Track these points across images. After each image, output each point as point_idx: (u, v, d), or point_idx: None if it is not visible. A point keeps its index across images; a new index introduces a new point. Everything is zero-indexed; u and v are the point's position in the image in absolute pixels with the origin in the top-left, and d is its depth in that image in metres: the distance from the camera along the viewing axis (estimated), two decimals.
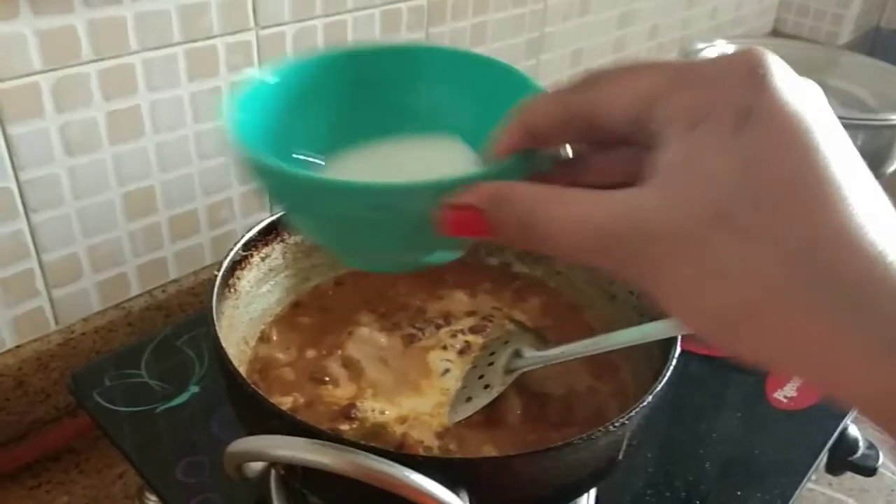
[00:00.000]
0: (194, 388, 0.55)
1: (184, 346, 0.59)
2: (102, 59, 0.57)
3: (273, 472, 0.44)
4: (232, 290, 0.43)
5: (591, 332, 0.50)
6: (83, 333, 0.63)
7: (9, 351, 0.60)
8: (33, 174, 0.56)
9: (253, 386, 0.34)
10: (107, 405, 0.53)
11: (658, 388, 0.37)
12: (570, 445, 0.32)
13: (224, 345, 0.37)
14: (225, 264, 0.42)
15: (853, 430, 0.58)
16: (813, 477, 0.54)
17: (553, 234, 0.23)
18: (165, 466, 0.49)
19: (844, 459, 0.57)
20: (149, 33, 0.58)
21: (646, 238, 0.21)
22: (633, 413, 0.35)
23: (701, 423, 0.56)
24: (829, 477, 0.62)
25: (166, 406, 0.53)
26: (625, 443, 0.36)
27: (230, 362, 0.35)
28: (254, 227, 0.46)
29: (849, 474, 0.59)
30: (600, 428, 0.33)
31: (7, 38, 0.51)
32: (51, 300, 0.61)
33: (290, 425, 0.32)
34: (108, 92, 0.58)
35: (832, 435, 0.55)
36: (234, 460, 0.31)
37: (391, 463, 0.27)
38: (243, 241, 0.44)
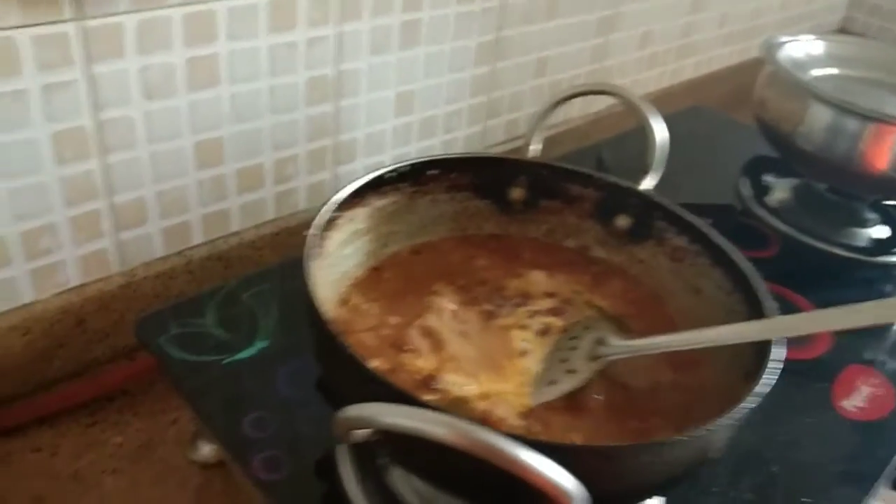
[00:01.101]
0: (260, 344, 0.54)
1: (249, 300, 0.59)
2: (187, 4, 0.56)
3: None
4: (321, 250, 0.42)
5: (672, 324, 0.49)
6: (144, 278, 0.63)
7: (73, 289, 0.60)
8: (112, 114, 0.56)
9: (349, 348, 0.34)
10: (173, 352, 0.53)
11: (760, 391, 0.36)
12: (683, 441, 0.32)
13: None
14: (319, 223, 0.42)
15: None
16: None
17: None
18: (232, 420, 0.48)
19: None
20: None
21: None
22: (736, 412, 0.34)
23: (768, 427, 0.55)
24: (885, 492, 0.61)
25: (233, 359, 0.53)
26: (720, 443, 0.36)
27: (329, 324, 0.34)
28: (344, 188, 0.45)
29: None
30: (714, 423, 0.33)
31: None
32: (117, 242, 0.61)
33: (390, 392, 0.32)
34: (190, 38, 0.57)
35: None
36: (344, 426, 0.30)
37: (512, 441, 0.27)
38: (336, 201, 0.44)
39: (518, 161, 0.53)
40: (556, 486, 0.27)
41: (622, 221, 0.52)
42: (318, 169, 0.72)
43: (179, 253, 0.66)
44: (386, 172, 0.48)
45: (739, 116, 1.03)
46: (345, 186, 0.47)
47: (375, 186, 0.47)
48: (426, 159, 0.49)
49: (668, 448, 0.33)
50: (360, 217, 0.47)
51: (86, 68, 0.53)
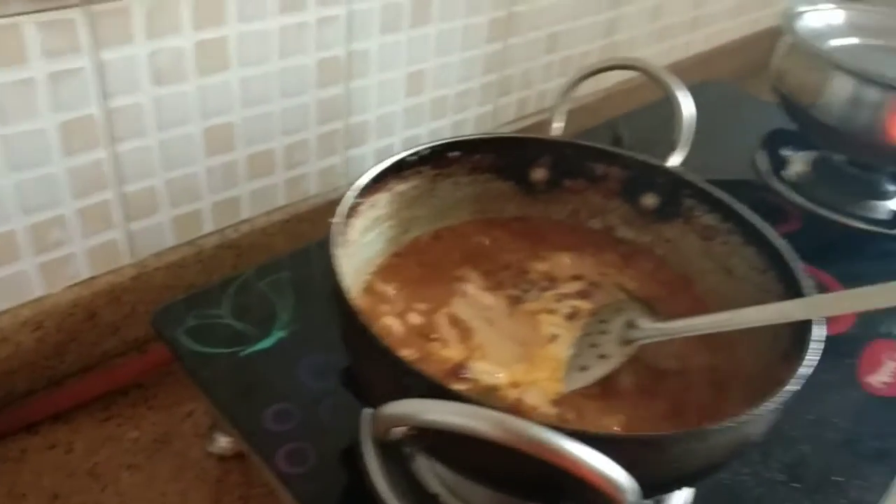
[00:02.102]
0: (279, 334, 0.53)
1: (266, 288, 0.57)
2: None
3: None
4: (344, 238, 0.41)
5: (703, 305, 0.48)
6: (156, 269, 0.62)
7: (83, 282, 0.59)
8: (121, 102, 0.54)
9: (384, 341, 0.33)
10: (190, 345, 0.52)
11: (805, 372, 0.35)
12: (729, 428, 0.31)
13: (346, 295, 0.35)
14: (342, 210, 0.40)
15: None
16: None
17: None
18: (253, 413, 0.47)
19: None
20: None
21: None
22: (782, 395, 0.33)
23: (795, 406, 0.54)
24: None
25: (252, 350, 0.52)
26: (764, 427, 0.35)
27: (361, 317, 0.33)
28: (365, 173, 0.44)
29: None
30: (759, 408, 0.32)
31: None
32: (127, 233, 0.60)
33: (427, 386, 0.31)
34: (199, 20, 0.55)
35: None
36: (385, 423, 0.29)
37: (561, 435, 0.26)
38: (358, 187, 0.42)
39: (542, 140, 0.51)
40: (607, 480, 0.26)
41: (649, 200, 0.51)
42: (328, 153, 0.71)
43: (190, 242, 0.64)
44: (408, 156, 0.46)
45: (752, 89, 1.02)
46: (355, 171, 0.45)
47: (397, 171, 0.46)
48: (448, 141, 0.48)
49: (715, 434, 0.32)
50: (381, 203, 0.46)
51: (93, 55, 0.51)
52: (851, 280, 0.42)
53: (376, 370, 0.34)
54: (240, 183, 0.66)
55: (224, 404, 0.49)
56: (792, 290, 0.41)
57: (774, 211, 0.76)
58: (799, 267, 0.42)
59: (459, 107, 0.81)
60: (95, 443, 0.56)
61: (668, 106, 0.54)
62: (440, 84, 0.77)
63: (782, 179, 0.77)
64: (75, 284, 0.58)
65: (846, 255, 0.73)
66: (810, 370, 0.35)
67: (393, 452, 0.44)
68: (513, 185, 0.52)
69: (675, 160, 0.51)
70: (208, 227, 0.65)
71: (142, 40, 0.53)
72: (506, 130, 0.88)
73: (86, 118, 0.53)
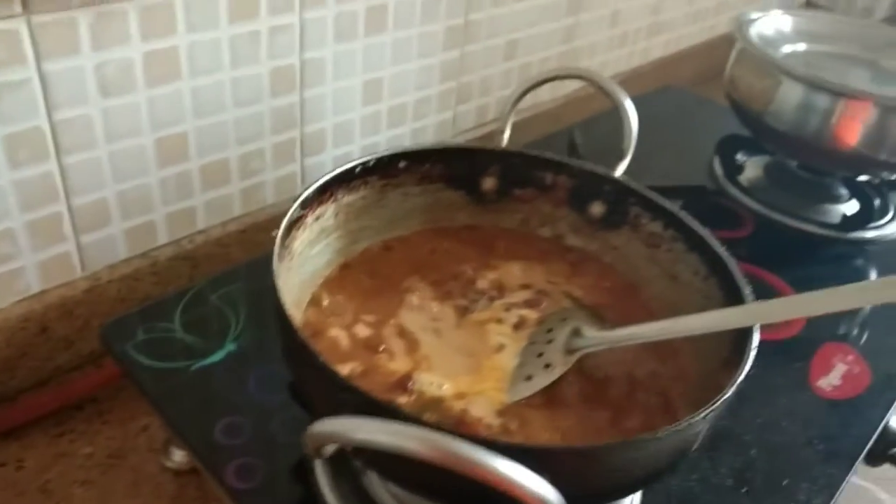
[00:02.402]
0: (230, 346, 0.53)
1: (217, 301, 0.57)
2: None
3: None
4: (287, 250, 0.40)
5: (648, 312, 0.48)
6: (109, 281, 0.61)
7: (34, 296, 0.58)
8: (67, 114, 0.54)
9: (321, 357, 0.33)
10: (140, 359, 0.51)
11: (741, 379, 0.35)
12: (662, 438, 0.31)
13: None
14: (283, 223, 0.40)
15: (894, 423, 0.57)
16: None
17: None
18: (203, 428, 0.47)
19: (885, 452, 0.56)
20: None
21: None
22: (719, 402, 0.33)
23: (745, 409, 0.55)
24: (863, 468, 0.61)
25: (202, 363, 0.52)
26: (702, 434, 0.35)
27: (300, 333, 0.33)
28: (309, 185, 0.44)
29: (885, 466, 0.59)
30: (691, 417, 0.32)
31: None
32: (78, 246, 0.59)
33: (362, 401, 0.31)
34: (147, 31, 0.55)
35: (877, 426, 0.55)
36: (316, 442, 0.29)
37: (489, 453, 0.26)
38: (301, 199, 0.42)
39: (491, 150, 0.51)
40: (532, 495, 0.26)
41: (596, 208, 0.51)
42: (285, 162, 0.71)
43: (144, 254, 0.64)
44: (354, 166, 0.46)
45: (710, 94, 1.03)
46: (314, 179, 0.45)
47: (343, 181, 0.46)
48: (395, 151, 0.48)
49: (647, 444, 0.32)
50: (327, 214, 0.46)
51: (38, 66, 0.50)
52: (804, 284, 0.42)
53: (314, 385, 0.34)
54: (194, 193, 0.65)
55: (174, 419, 0.48)
56: (732, 296, 0.42)
57: (729, 216, 0.77)
58: (738, 274, 0.42)
59: (418, 114, 0.81)
60: (47, 459, 0.55)
61: (618, 114, 0.54)
62: (398, 92, 0.77)
63: (737, 184, 0.78)
64: (25, 298, 0.58)
65: (799, 259, 0.74)
66: (741, 377, 0.35)
67: (342, 467, 0.44)
68: (463, 194, 0.52)
69: (622, 168, 0.52)
70: (163, 238, 0.65)
71: (88, 52, 0.53)
72: (466, 137, 0.88)
73: (32, 130, 0.52)
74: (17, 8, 0.48)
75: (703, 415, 0.33)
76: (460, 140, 0.88)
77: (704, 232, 0.45)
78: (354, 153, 0.77)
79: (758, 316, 0.38)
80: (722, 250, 0.44)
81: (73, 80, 0.53)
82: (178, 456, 0.54)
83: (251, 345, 0.53)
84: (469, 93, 0.86)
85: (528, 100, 0.94)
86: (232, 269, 0.61)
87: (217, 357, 0.52)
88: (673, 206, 0.47)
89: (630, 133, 0.52)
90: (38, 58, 0.50)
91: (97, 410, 0.59)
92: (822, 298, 0.37)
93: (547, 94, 0.97)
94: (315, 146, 0.73)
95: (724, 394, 0.34)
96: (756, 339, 0.38)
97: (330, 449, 0.30)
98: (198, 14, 0.57)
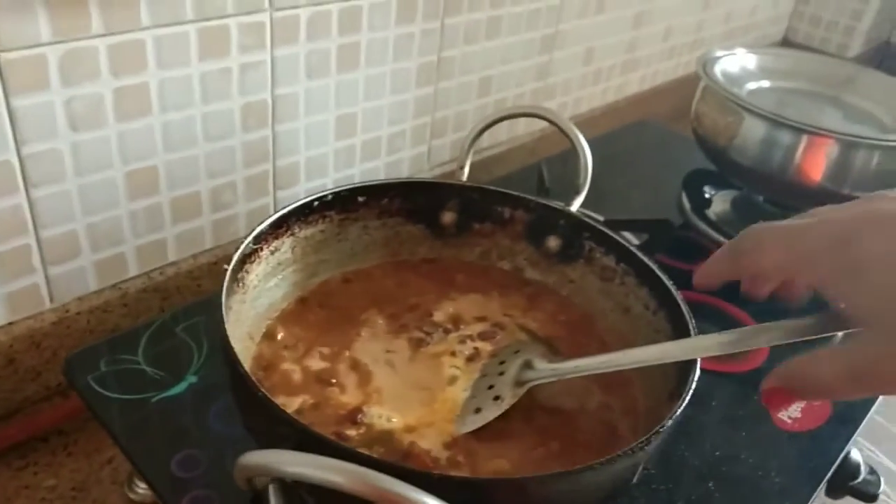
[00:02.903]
0: (192, 379, 0.53)
1: (182, 333, 0.57)
2: (113, 34, 0.55)
3: None
4: (240, 284, 0.41)
5: (603, 344, 0.49)
6: (78, 313, 0.62)
7: (1, 328, 0.58)
8: (35, 148, 0.54)
9: (261, 389, 0.33)
10: (101, 391, 0.52)
11: (678, 412, 0.36)
12: (591, 469, 0.31)
13: (232, 343, 0.35)
14: (235, 257, 0.41)
15: (855, 455, 0.58)
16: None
17: (831, 386, 0.33)
18: (160, 460, 0.47)
19: (845, 484, 0.56)
20: (162, 9, 0.56)
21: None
22: (653, 436, 0.34)
23: (704, 442, 0.55)
24: (825, 499, 0.62)
25: (162, 395, 0.52)
26: (641, 466, 0.36)
27: (240, 365, 0.34)
28: (265, 219, 0.45)
29: (847, 499, 0.59)
30: (621, 452, 0.33)
31: (16, 7, 0.49)
32: (46, 277, 0.60)
33: (300, 434, 0.31)
34: (117, 68, 0.56)
35: (836, 459, 0.55)
36: (244, 473, 0.29)
37: (411, 488, 0.26)
38: (254, 233, 0.43)
39: (449, 185, 0.52)
40: None
41: (553, 242, 0.52)
42: (257, 195, 0.72)
43: (114, 286, 0.64)
44: (311, 200, 0.47)
45: (685, 129, 1.04)
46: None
47: (300, 215, 0.47)
48: (353, 186, 0.49)
49: (584, 476, 0.32)
50: (284, 247, 0.46)
51: (7, 102, 0.51)
52: (768, 316, 0.43)
53: (256, 418, 0.35)
54: (165, 226, 0.66)
55: (133, 451, 0.49)
56: (679, 330, 0.42)
57: (696, 249, 0.78)
58: (685, 307, 0.43)
59: (392, 148, 0.82)
60: (9, 491, 0.55)
61: (591, 147, 0.55)
62: (371, 127, 0.78)
63: (705, 218, 0.79)
64: None
65: None
66: (680, 409, 0.36)
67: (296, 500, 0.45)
68: (423, 228, 0.53)
69: (577, 203, 0.53)
70: (133, 270, 0.65)
71: (57, 87, 0.54)
72: (442, 170, 0.90)
73: (1, 164, 0.53)
74: None
75: (638, 446, 0.34)
76: (436, 173, 0.89)
77: (654, 265, 0.46)
78: (328, 186, 0.78)
79: (696, 350, 0.38)
80: (670, 284, 0.45)
81: (43, 115, 0.54)
82: (142, 489, 0.54)
83: (212, 378, 0.54)
84: (444, 127, 0.87)
85: (504, 133, 0.96)
86: (199, 301, 0.62)
87: (178, 389, 0.53)
88: (624, 239, 0.48)
89: (586, 169, 0.53)
90: (7, 93, 0.51)
91: (62, 442, 0.59)
92: (758, 333, 0.38)
93: (522, 129, 0.98)
94: (288, 179, 0.74)
95: (662, 425, 0.35)
96: (696, 373, 0.38)
97: (262, 481, 0.30)
98: (168, 51, 0.58)
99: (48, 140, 0.55)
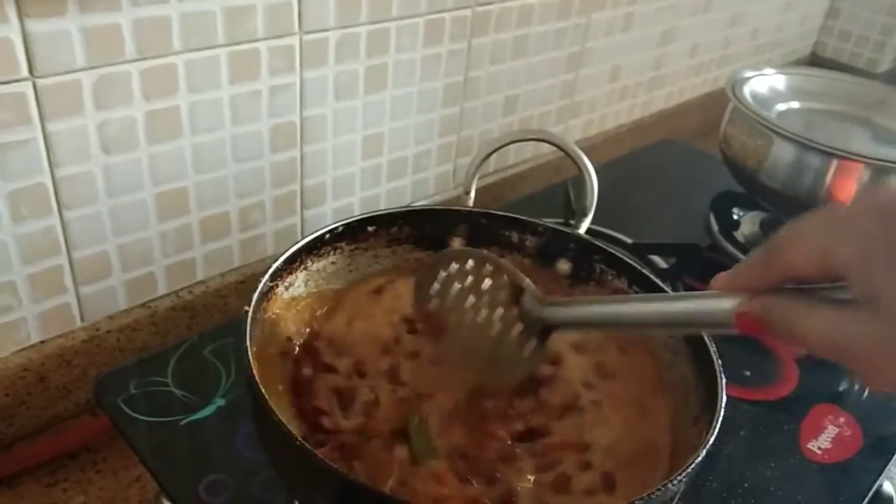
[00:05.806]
0: (220, 402, 0.54)
1: (209, 355, 0.58)
2: (145, 59, 0.56)
3: None
4: (258, 321, 0.41)
5: None
6: (108, 331, 0.63)
7: (33, 346, 0.59)
8: (69, 171, 0.55)
9: (298, 439, 0.33)
10: (130, 413, 0.52)
11: (710, 442, 0.35)
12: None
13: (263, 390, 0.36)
14: (255, 297, 0.41)
15: (888, 488, 0.57)
16: None
17: (806, 339, 0.32)
18: (189, 484, 0.48)
19: None
20: (193, 34, 0.57)
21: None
22: (688, 470, 0.34)
23: (732, 472, 0.55)
24: None
25: (191, 419, 0.53)
26: (676, 499, 0.36)
27: (274, 412, 0.34)
28: (280, 256, 0.45)
29: None
30: (657, 489, 0.32)
31: (53, 34, 0.50)
32: (78, 297, 0.60)
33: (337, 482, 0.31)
34: (149, 91, 0.57)
35: (867, 492, 0.54)
36: None
37: None
38: (270, 271, 0.44)
39: (457, 211, 0.53)
40: None
41: (563, 265, 0.52)
42: (285, 214, 0.72)
43: (143, 305, 0.65)
44: (322, 234, 0.47)
45: (712, 146, 1.04)
46: (315, 229, 0.47)
47: (312, 249, 0.47)
48: (362, 217, 0.49)
49: None
50: (297, 282, 0.47)
51: (43, 126, 0.52)
52: None
53: (282, 459, 0.35)
54: (194, 245, 0.67)
55: (160, 473, 0.49)
56: (697, 349, 0.42)
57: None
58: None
59: (418, 167, 0.83)
60: None
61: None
62: (397, 146, 0.79)
63: (733, 240, 0.79)
64: (25, 349, 0.59)
65: None
66: (711, 440, 0.36)
67: None
68: (432, 254, 0.53)
69: (585, 226, 0.53)
70: (162, 289, 0.66)
71: (91, 111, 0.55)
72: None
73: (35, 187, 0.54)
74: (24, 72, 0.50)
75: (669, 484, 0.33)
76: (461, 191, 0.89)
77: (667, 287, 0.46)
78: (355, 205, 0.79)
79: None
80: None
81: (76, 139, 0.55)
82: None
83: (240, 401, 0.54)
84: (469, 146, 0.87)
85: (529, 151, 0.96)
86: (226, 322, 0.62)
87: (207, 412, 0.53)
88: (635, 261, 0.48)
89: (592, 192, 0.53)
90: (43, 118, 0.52)
91: (91, 460, 0.60)
92: None
93: (546, 147, 0.98)
94: (315, 199, 0.74)
95: (688, 466, 0.35)
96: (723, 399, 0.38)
97: None
98: (199, 75, 0.59)
99: (81, 163, 0.56)
